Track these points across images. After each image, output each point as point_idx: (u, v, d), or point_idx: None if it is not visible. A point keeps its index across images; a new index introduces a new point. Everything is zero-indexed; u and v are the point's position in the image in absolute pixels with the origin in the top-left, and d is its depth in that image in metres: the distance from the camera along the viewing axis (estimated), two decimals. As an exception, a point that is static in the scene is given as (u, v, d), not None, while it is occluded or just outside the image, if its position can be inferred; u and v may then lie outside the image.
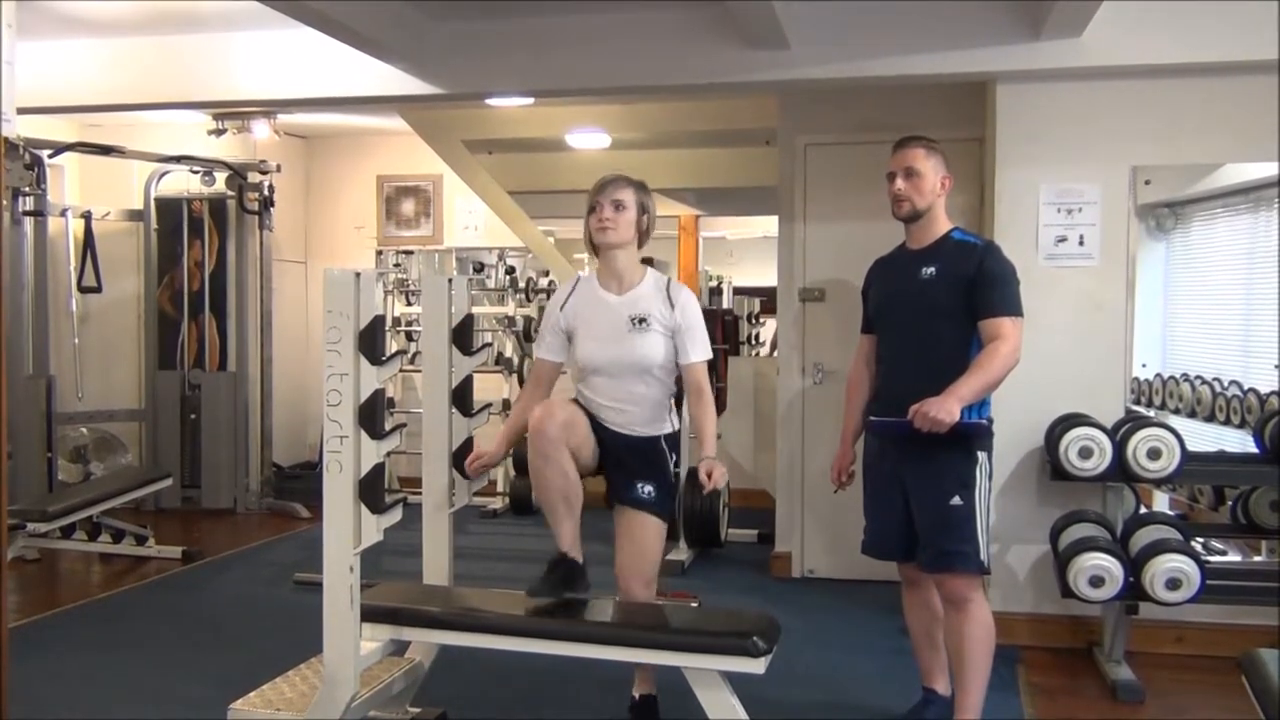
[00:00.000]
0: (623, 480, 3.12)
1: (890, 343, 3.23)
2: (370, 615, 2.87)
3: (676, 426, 3.24)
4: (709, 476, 2.98)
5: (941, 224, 3.16)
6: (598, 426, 3.13)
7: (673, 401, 3.23)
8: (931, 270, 3.10)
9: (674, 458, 3.19)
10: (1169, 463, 3.70)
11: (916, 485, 3.08)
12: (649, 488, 3.09)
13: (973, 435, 3.01)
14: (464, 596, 3.23)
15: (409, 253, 7.85)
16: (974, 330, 3.02)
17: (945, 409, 2.85)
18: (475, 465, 3.27)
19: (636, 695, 3.30)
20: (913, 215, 3.14)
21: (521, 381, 7.06)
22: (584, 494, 3.04)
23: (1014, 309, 3.03)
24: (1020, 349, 3.01)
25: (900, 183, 3.12)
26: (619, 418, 3.13)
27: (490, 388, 6.95)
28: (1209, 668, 3.94)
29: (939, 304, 3.07)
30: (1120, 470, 3.77)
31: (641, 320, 3.07)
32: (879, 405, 3.20)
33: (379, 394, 2.72)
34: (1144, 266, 4.20)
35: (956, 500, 3.00)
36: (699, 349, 3.11)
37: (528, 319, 7.24)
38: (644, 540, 3.11)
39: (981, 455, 3.04)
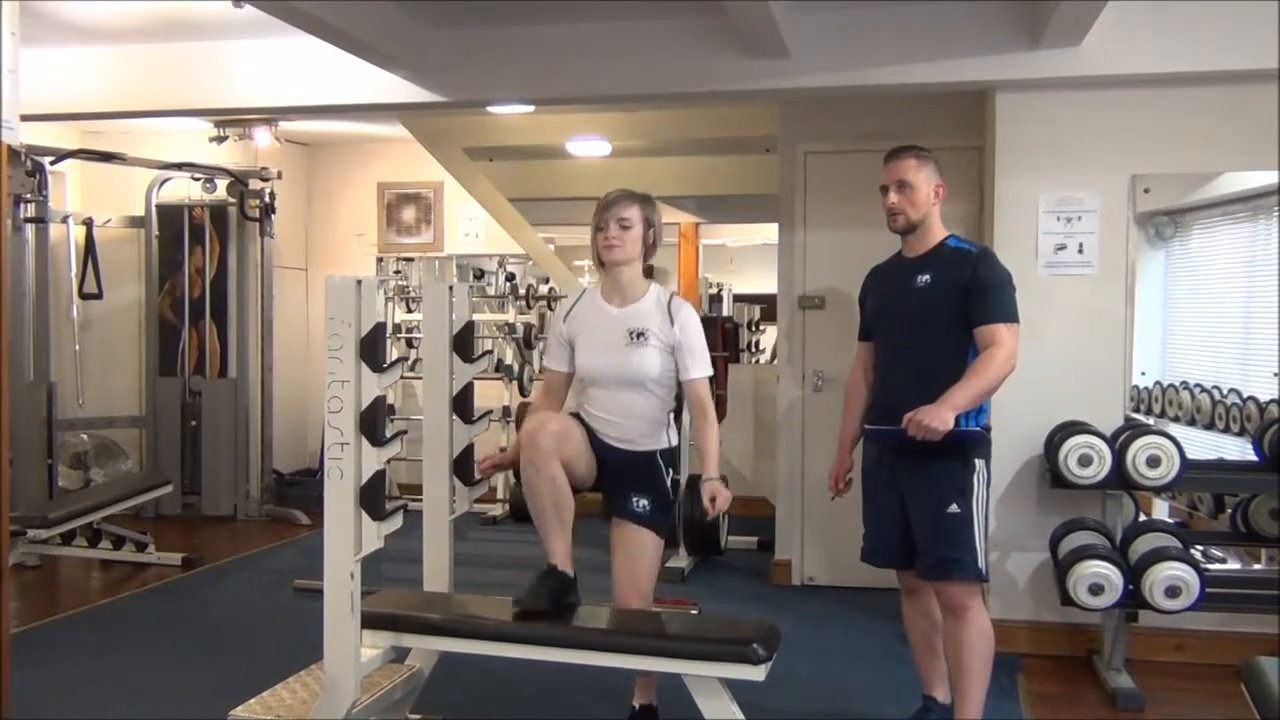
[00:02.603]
0: (619, 494, 3.12)
1: (887, 350, 3.23)
2: (370, 622, 2.87)
3: (675, 442, 3.23)
4: (712, 502, 3.02)
5: (937, 232, 3.16)
6: (595, 441, 3.14)
7: (671, 416, 3.23)
8: (927, 278, 3.10)
9: (671, 473, 3.18)
10: (1168, 470, 3.71)
11: (914, 493, 3.08)
12: (644, 502, 3.10)
13: (969, 443, 3.02)
14: (464, 603, 3.23)
15: (409, 260, 7.86)
16: (970, 337, 3.03)
17: (939, 417, 2.85)
18: (487, 464, 3.32)
19: (636, 705, 3.30)
20: (908, 228, 3.15)
21: (522, 389, 7.07)
22: (579, 503, 3.05)
23: (1009, 315, 3.03)
24: (1016, 355, 3.01)
25: (893, 195, 3.13)
26: (615, 430, 3.14)
27: (491, 395, 6.95)
28: (1209, 675, 3.94)
29: (934, 311, 3.07)
30: (1120, 478, 3.78)
31: (640, 334, 3.08)
32: (876, 412, 3.20)
33: (380, 401, 2.72)
34: (1143, 274, 4.21)
35: (954, 508, 3.00)
36: (699, 365, 3.11)
37: (528, 326, 7.25)
38: (639, 554, 3.11)
39: (979, 463, 3.04)
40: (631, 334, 3.08)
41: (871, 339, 3.32)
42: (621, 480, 3.13)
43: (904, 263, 3.21)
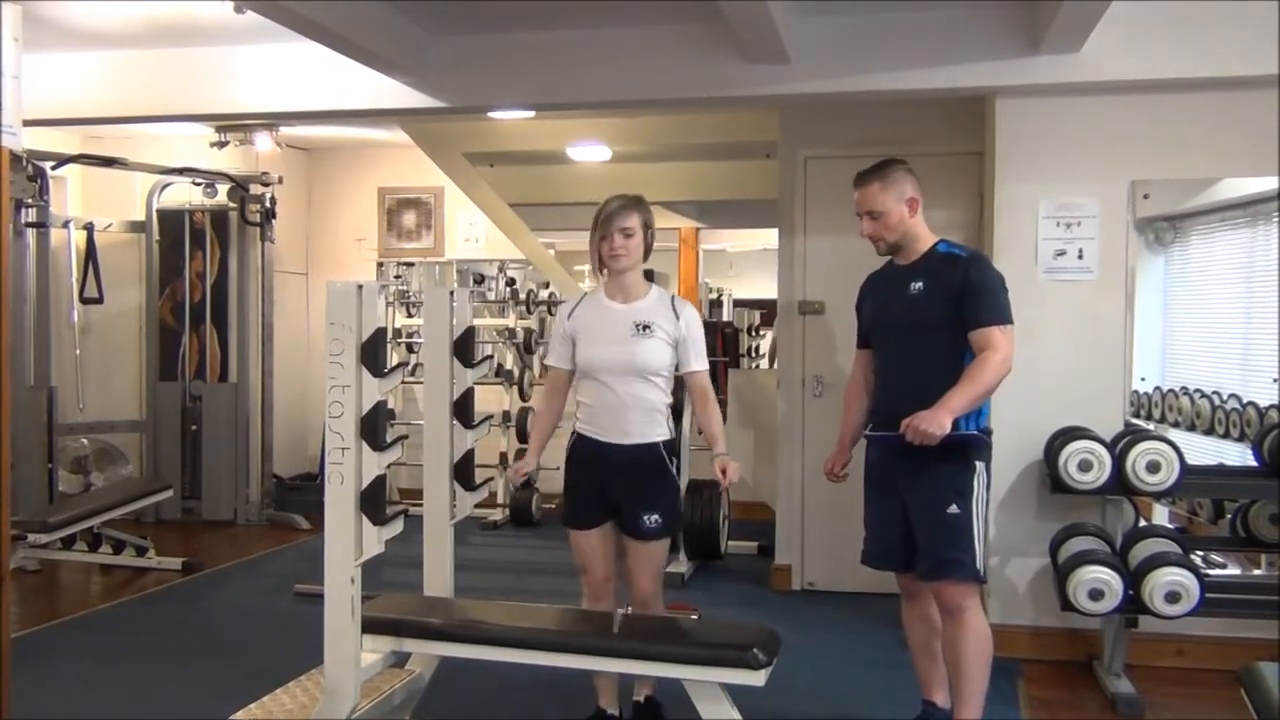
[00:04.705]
0: (630, 512, 3.20)
1: (884, 357, 3.25)
2: (371, 627, 2.87)
3: (674, 434, 3.31)
4: (724, 473, 3.14)
5: (925, 239, 3.18)
6: (598, 452, 3.21)
7: (669, 410, 3.29)
8: (920, 284, 3.11)
9: (674, 462, 3.27)
10: (1168, 476, 3.71)
11: (914, 495, 3.09)
12: (655, 517, 3.19)
13: (970, 445, 3.02)
14: (465, 608, 3.23)
15: (410, 265, 7.87)
16: (966, 341, 3.03)
17: (935, 422, 2.86)
18: (517, 474, 3.44)
19: (607, 710, 3.34)
20: (891, 250, 3.20)
21: (522, 393, 7.08)
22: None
23: (1003, 317, 3.03)
24: (1011, 357, 3.02)
25: (866, 226, 3.18)
26: (617, 425, 3.20)
27: (491, 400, 6.96)
28: (1209, 681, 3.94)
29: (929, 317, 3.09)
30: (1119, 483, 3.78)
31: (646, 327, 3.19)
32: (876, 418, 3.22)
33: (381, 406, 2.73)
34: (1143, 280, 4.21)
35: (954, 509, 3.00)
36: (700, 359, 3.27)
37: (528, 331, 7.26)
38: (651, 558, 3.27)
39: (979, 465, 3.05)
40: (638, 326, 3.19)
41: (870, 346, 3.33)
42: (632, 493, 3.20)
43: (897, 270, 3.22)
